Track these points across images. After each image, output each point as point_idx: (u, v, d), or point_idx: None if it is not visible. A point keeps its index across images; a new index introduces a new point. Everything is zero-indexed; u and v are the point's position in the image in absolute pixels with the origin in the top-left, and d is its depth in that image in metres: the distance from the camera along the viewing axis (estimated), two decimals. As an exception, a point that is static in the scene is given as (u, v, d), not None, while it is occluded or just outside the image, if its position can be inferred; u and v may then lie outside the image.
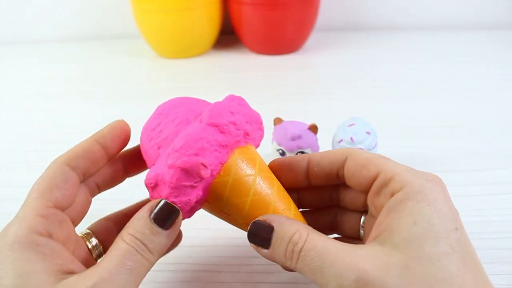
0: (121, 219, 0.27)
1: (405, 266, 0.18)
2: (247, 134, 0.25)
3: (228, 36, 0.76)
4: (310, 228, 0.22)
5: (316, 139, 0.38)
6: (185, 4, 0.63)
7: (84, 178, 0.24)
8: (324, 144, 0.39)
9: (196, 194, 0.23)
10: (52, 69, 0.69)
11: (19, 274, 0.18)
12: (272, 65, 0.66)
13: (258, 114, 0.26)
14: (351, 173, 0.24)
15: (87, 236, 0.25)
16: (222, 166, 0.23)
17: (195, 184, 0.22)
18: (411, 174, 0.21)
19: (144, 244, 0.21)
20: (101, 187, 0.26)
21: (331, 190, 0.27)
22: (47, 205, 0.21)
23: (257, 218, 0.22)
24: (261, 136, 0.27)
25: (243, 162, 0.24)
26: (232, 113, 0.24)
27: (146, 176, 0.23)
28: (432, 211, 0.20)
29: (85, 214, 0.25)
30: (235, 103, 0.25)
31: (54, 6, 0.78)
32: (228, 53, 0.72)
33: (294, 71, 0.64)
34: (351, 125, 0.36)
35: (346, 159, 0.24)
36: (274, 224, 0.22)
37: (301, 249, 0.20)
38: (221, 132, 0.23)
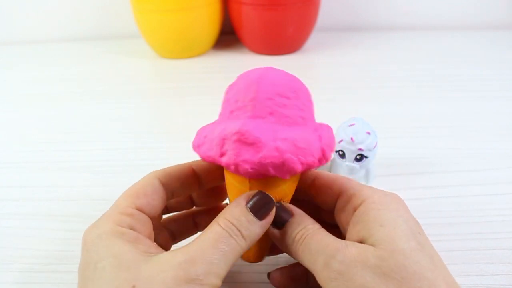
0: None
1: (380, 258, 0.20)
2: None
3: (228, 36, 0.76)
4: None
5: (316, 139, 0.37)
6: (185, 4, 0.63)
7: (172, 197, 0.26)
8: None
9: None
10: (51, 69, 0.69)
11: (112, 255, 0.20)
12: (272, 65, 0.65)
13: None
14: (317, 193, 0.26)
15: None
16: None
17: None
18: (371, 191, 0.23)
19: (239, 230, 0.21)
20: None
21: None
22: (131, 207, 0.23)
23: (281, 202, 0.24)
24: None
25: None
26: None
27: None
28: (396, 216, 0.21)
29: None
30: None
31: (54, 6, 0.78)
32: (228, 53, 0.72)
33: (294, 71, 0.64)
34: (351, 125, 0.36)
35: (314, 179, 0.26)
36: (295, 212, 0.24)
37: (307, 235, 0.22)
38: None
